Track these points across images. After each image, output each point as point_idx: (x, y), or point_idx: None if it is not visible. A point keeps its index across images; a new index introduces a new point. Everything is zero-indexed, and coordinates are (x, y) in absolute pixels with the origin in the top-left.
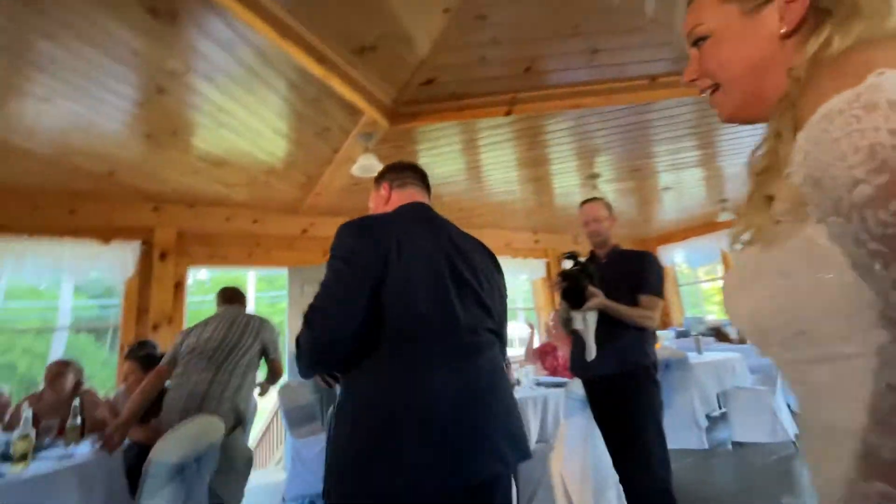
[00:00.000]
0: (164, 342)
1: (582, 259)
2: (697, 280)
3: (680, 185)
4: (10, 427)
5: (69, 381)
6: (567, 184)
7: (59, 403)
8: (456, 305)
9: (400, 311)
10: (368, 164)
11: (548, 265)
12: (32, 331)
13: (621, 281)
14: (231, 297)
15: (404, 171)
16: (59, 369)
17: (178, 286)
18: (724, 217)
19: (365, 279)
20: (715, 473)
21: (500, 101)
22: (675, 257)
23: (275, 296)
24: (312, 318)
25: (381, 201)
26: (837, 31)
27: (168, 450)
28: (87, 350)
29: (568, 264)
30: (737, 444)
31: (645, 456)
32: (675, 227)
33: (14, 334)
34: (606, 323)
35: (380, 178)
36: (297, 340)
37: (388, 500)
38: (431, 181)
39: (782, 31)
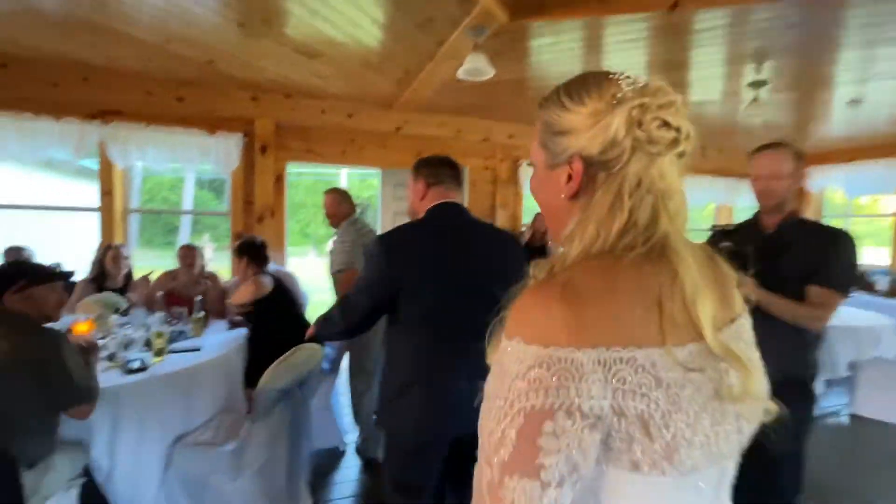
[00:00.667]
0: (267, 234)
1: (730, 228)
2: (849, 213)
3: (867, 100)
4: (148, 298)
5: (198, 264)
6: (712, 90)
7: (191, 283)
8: (458, 303)
9: (413, 309)
10: (477, 67)
11: None
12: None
13: (792, 263)
14: None
15: (441, 168)
16: (190, 252)
17: (279, 180)
18: None
19: (386, 291)
20: (821, 445)
21: None
22: (829, 182)
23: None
24: (347, 304)
25: (418, 196)
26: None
27: (274, 378)
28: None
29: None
30: (855, 418)
31: (778, 485)
32: (839, 145)
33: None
34: (761, 318)
35: (417, 172)
36: (335, 311)
37: (400, 435)
38: (543, 83)
39: (562, 195)
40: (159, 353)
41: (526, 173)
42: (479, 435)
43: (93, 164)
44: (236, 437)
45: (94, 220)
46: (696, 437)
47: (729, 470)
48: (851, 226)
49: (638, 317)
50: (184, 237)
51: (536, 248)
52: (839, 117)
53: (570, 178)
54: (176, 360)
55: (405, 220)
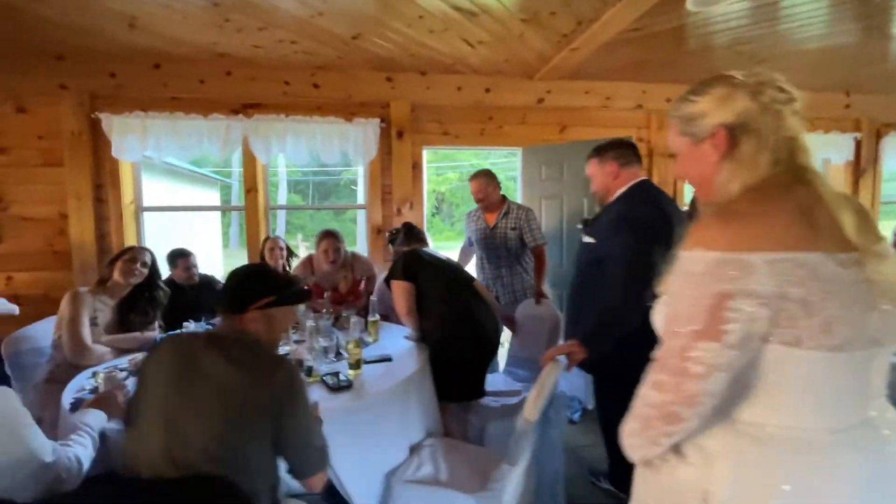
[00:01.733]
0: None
1: None
2: None
3: None
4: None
5: (342, 253)
6: None
7: (334, 272)
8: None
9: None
10: None
11: (857, 143)
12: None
13: None
14: None
15: (625, 149)
16: (333, 240)
17: (416, 167)
18: None
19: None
20: None
21: None
22: None
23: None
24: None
25: (611, 177)
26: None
27: (537, 406)
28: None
29: None
30: None
31: None
32: None
33: None
34: None
35: (602, 155)
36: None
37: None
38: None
39: (713, 159)
40: (356, 365)
41: None
42: (665, 321)
43: (207, 170)
44: (489, 482)
45: (215, 221)
46: (848, 315)
47: (880, 356)
48: None
49: (794, 227)
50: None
51: None
52: None
53: (715, 146)
54: (371, 373)
55: (550, 202)
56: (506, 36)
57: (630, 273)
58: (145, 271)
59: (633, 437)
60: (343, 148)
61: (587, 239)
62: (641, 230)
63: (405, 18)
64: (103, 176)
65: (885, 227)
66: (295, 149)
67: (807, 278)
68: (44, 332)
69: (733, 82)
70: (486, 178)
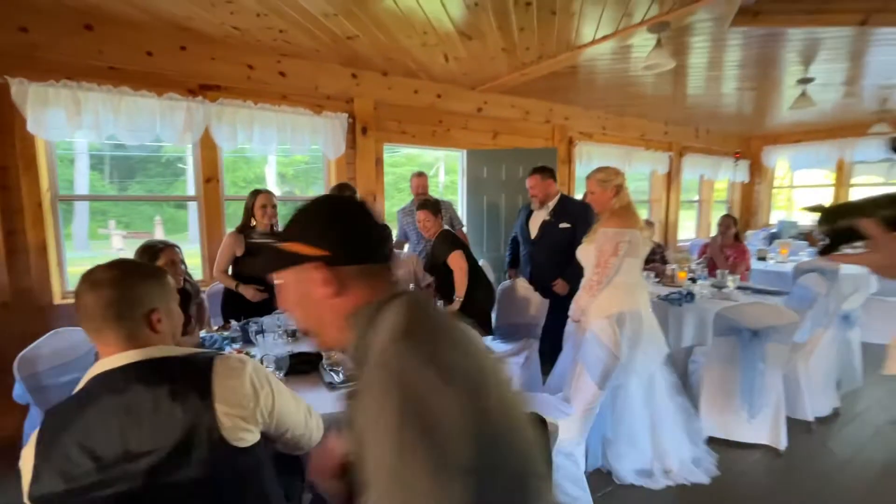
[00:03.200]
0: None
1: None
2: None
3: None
4: None
5: None
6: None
7: None
8: None
9: None
10: (659, 62)
11: (671, 159)
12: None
13: None
14: None
15: (551, 171)
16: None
17: (378, 162)
18: (877, 128)
19: None
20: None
21: (856, 10)
22: (778, 159)
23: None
24: None
25: (548, 188)
26: None
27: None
28: None
29: None
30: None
31: None
32: (789, 129)
33: None
34: None
35: (544, 173)
36: None
37: None
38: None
39: (611, 196)
40: None
41: (579, 152)
42: (597, 254)
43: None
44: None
45: None
46: (643, 249)
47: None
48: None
49: (634, 219)
50: None
51: None
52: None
53: (613, 191)
54: None
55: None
56: (481, 56)
57: None
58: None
59: (582, 298)
60: (314, 140)
61: (563, 224)
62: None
63: (412, 33)
64: (10, 157)
65: (686, 217)
66: (262, 138)
67: (637, 238)
68: (58, 346)
69: (617, 171)
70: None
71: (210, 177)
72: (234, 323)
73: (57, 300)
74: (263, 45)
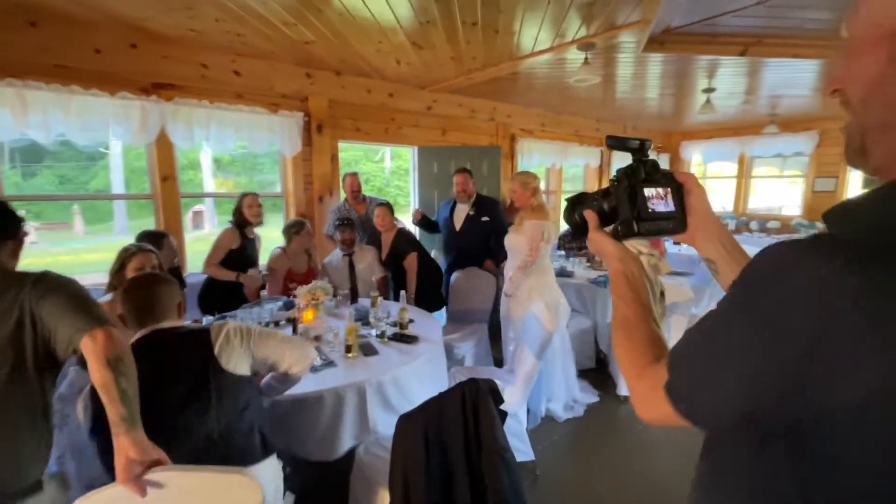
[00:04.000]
0: (325, 213)
1: None
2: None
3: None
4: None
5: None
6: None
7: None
8: None
9: None
10: (587, 77)
11: (602, 154)
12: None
13: None
14: None
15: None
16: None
17: (333, 159)
18: (768, 129)
19: None
20: None
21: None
22: (693, 153)
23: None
24: None
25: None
26: None
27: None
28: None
29: None
30: None
31: None
32: (702, 127)
33: None
34: None
35: (537, 187)
36: None
37: None
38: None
39: (529, 195)
40: (349, 349)
41: (521, 148)
42: (527, 242)
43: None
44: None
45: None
46: (555, 233)
47: None
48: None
49: (550, 213)
50: (210, 221)
51: None
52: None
53: (532, 192)
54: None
55: (442, 192)
56: (431, 63)
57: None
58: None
59: (517, 276)
60: (270, 138)
61: (484, 218)
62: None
63: (367, 41)
64: None
65: None
66: (219, 137)
67: (551, 227)
68: None
69: (535, 176)
70: None
71: (167, 175)
72: (206, 318)
73: None
74: (218, 44)
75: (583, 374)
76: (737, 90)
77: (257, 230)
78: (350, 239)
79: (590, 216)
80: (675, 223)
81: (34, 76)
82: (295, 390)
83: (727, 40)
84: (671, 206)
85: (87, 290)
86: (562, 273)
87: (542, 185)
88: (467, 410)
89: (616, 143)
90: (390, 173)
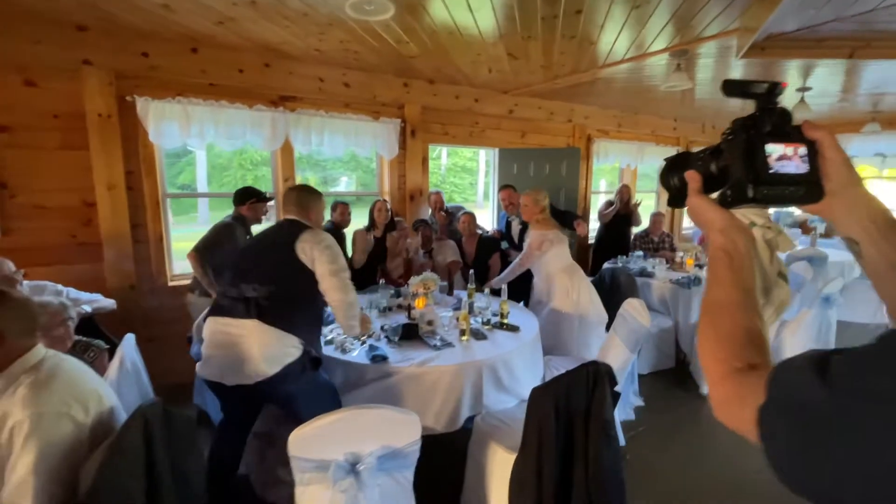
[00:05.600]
0: (416, 211)
1: None
2: None
3: None
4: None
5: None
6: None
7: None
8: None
9: None
10: (678, 83)
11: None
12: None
13: None
14: None
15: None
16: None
17: (424, 161)
18: (869, 127)
19: None
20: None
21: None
22: None
23: None
24: None
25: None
26: None
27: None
28: None
29: None
30: (841, 323)
31: None
32: None
33: None
34: None
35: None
36: None
37: None
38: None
39: (540, 209)
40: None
41: (596, 149)
42: (528, 246)
43: None
44: None
45: None
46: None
47: None
48: None
49: (554, 224)
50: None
51: (622, 215)
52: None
53: (542, 209)
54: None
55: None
56: (522, 70)
57: None
58: None
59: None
60: (373, 143)
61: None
62: None
63: (467, 53)
64: (134, 162)
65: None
66: (331, 143)
67: (558, 235)
68: None
69: (546, 195)
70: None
71: (287, 177)
72: None
73: (169, 283)
74: (334, 60)
75: (663, 373)
76: (832, 89)
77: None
78: (427, 236)
79: (691, 177)
80: (807, 190)
81: (194, 94)
82: (416, 363)
83: (834, 44)
84: (803, 168)
85: None
86: (642, 274)
87: (616, 184)
88: (589, 387)
89: (734, 88)
90: (446, 170)
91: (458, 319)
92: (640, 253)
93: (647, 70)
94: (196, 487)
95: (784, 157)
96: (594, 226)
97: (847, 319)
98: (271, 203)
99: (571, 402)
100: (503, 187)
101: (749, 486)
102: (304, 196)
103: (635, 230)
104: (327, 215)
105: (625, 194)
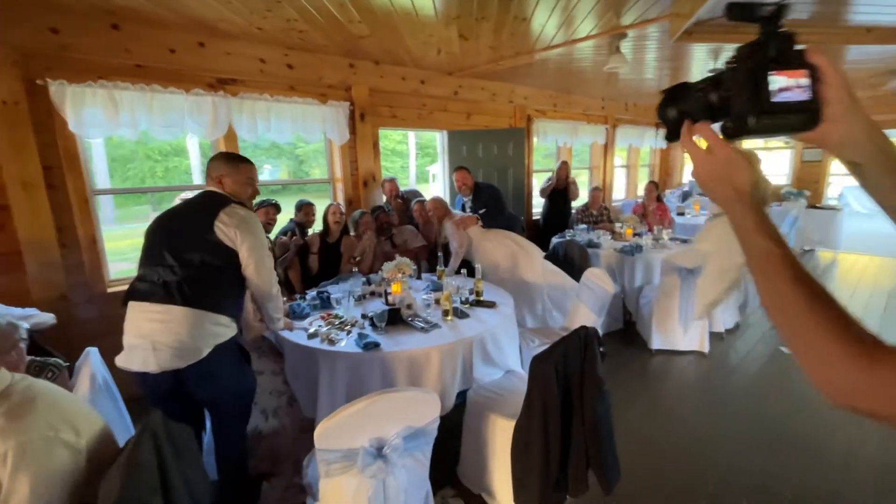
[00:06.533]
0: (370, 197)
1: None
2: None
3: None
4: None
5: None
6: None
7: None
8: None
9: None
10: (617, 65)
11: (607, 131)
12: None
13: None
14: None
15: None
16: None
17: (375, 146)
18: None
19: None
20: None
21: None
22: None
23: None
24: None
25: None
26: None
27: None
28: None
29: None
30: None
31: None
32: None
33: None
34: None
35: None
36: None
37: None
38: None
39: None
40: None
41: (536, 128)
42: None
43: None
44: None
45: None
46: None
47: None
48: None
49: None
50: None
51: (560, 190)
52: None
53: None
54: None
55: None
56: (470, 51)
57: None
58: None
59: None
60: (322, 127)
61: (481, 210)
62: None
63: (420, 34)
64: (53, 157)
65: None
66: (278, 128)
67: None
68: None
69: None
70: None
71: None
72: (309, 293)
73: (108, 289)
74: (275, 39)
75: (614, 333)
76: None
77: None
78: (385, 222)
79: (705, 132)
80: (807, 117)
81: (120, 77)
82: (409, 346)
83: (750, 29)
84: (804, 95)
85: None
86: (590, 245)
87: (554, 163)
88: (581, 349)
89: (738, 11)
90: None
91: (439, 301)
92: (584, 226)
93: (576, 52)
94: (203, 495)
95: (786, 87)
96: (538, 202)
97: None
98: None
99: (569, 365)
100: (457, 169)
101: (695, 419)
102: (214, 163)
103: (575, 204)
104: (291, 215)
105: (563, 171)
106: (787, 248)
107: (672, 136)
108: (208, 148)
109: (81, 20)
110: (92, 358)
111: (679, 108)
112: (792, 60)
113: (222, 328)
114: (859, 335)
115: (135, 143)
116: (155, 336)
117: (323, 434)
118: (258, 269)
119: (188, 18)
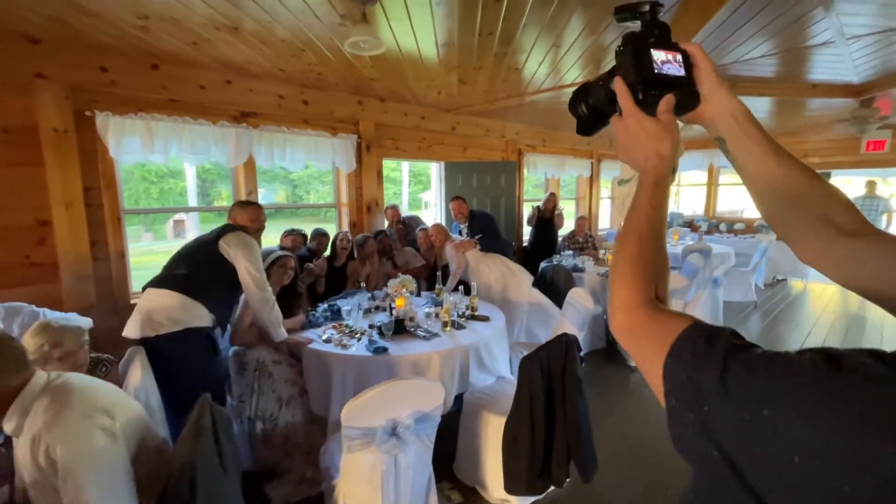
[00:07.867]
0: (374, 222)
1: None
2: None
3: None
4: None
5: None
6: None
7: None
8: None
9: None
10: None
11: (592, 165)
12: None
13: None
14: None
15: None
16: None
17: (379, 174)
18: None
19: None
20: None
21: None
22: None
23: None
24: None
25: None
26: None
27: None
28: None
29: None
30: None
31: None
32: None
33: None
34: None
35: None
36: None
37: None
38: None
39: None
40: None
41: (526, 161)
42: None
43: None
44: None
45: None
46: None
47: None
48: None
49: None
50: (194, 230)
51: (547, 220)
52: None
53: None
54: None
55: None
56: (468, 94)
57: None
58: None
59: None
60: (332, 158)
61: (477, 235)
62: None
63: (423, 79)
64: (93, 178)
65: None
66: (293, 157)
67: (454, 244)
68: None
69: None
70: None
71: (251, 190)
72: (321, 305)
73: (131, 300)
74: (294, 78)
75: (596, 352)
76: None
77: None
78: (387, 244)
79: (619, 86)
80: (687, 93)
81: (156, 109)
82: (413, 352)
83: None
84: (682, 72)
85: None
86: (575, 270)
87: (543, 193)
88: (563, 353)
89: (622, 11)
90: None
91: (438, 314)
92: (570, 252)
93: (563, 96)
94: (239, 463)
95: (667, 62)
96: (526, 229)
97: (726, 300)
98: None
99: (552, 366)
100: (454, 198)
101: (667, 429)
102: (232, 208)
103: (561, 232)
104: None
105: (550, 202)
106: (661, 213)
107: (582, 131)
108: (205, 171)
109: (128, 61)
110: (140, 355)
111: (587, 102)
112: (669, 44)
113: (198, 317)
114: (648, 296)
115: (132, 165)
116: (148, 312)
117: (348, 413)
118: (249, 275)
119: (220, 61)
